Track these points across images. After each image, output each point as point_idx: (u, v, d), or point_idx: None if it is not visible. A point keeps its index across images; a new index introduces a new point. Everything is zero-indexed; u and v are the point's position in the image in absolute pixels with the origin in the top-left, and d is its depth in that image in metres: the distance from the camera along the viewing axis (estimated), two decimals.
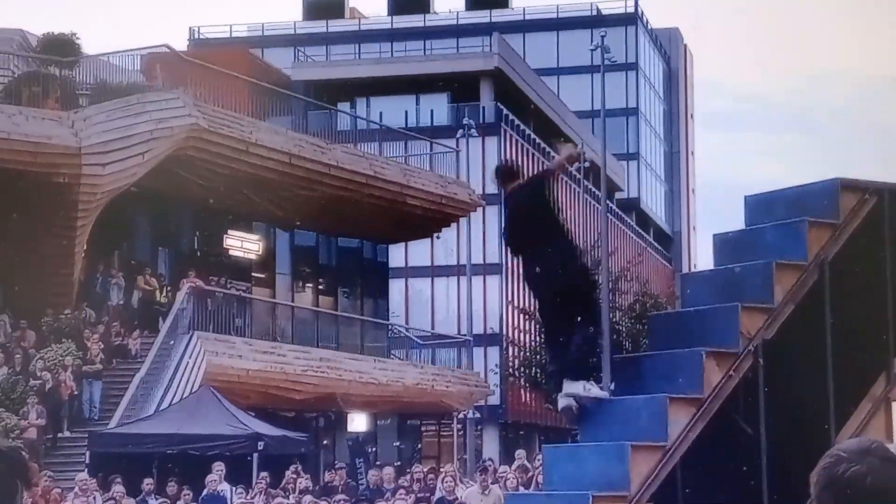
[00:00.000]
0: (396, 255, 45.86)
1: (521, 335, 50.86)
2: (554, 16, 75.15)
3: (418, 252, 52.27)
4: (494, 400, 49.76)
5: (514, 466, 20.86)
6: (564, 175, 64.11)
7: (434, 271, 56.21)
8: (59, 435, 24.86)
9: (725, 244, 10.21)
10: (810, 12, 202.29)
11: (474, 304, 48.17)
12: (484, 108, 57.03)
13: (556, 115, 65.15)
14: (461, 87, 56.61)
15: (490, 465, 22.06)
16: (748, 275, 9.60)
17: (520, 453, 22.91)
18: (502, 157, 56.35)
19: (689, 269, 74.69)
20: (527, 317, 48.88)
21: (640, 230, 79.80)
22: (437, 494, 19.03)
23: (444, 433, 48.47)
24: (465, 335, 45.09)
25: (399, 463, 34.00)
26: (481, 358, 49.91)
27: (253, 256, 34.68)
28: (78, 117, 26.46)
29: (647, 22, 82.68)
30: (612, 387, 9.79)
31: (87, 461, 22.25)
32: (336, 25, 71.11)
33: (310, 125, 34.95)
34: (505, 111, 57.42)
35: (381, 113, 52.21)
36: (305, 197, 32.28)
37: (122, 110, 26.96)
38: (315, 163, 31.48)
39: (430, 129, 50.86)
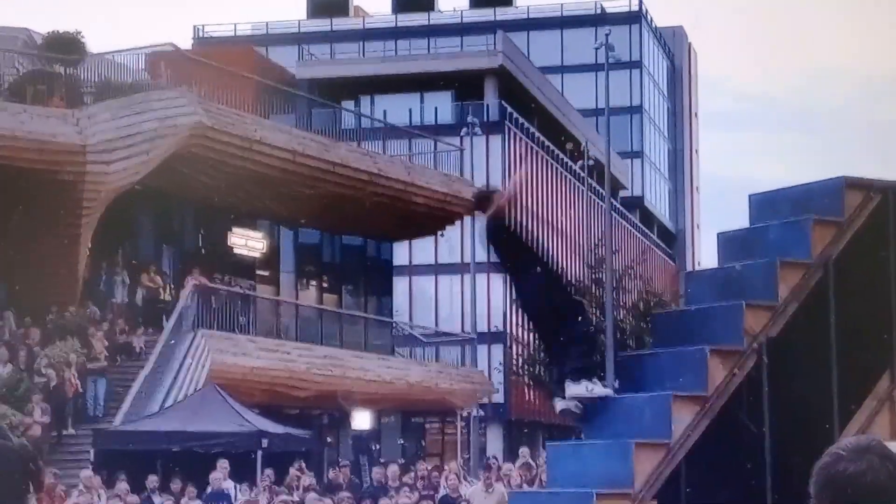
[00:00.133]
0: (400, 252, 45.86)
1: (525, 333, 50.86)
2: (558, 14, 75.12)
3: (422, 250, 52.27)
4: (498, 398, 49.77)
5: (517, 464, 20.87)
6: (569, 174, 64.15)
7: (438, 269, 56.23)
8: (64, 432, 24.88)
9: (730, 242, 10.22)
10: (811, 11, 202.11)
11: (478, 302, 48.17)
12: (488, 106, 57.02)
13: (560, 114, 65.14)
14: (465, 86, 56.60)
15: (494, 463, 22.05)
16: (752, 273, 9.60)
17: (523, 451, 22.92)
18: (506, 156, 56.40)
19: (693, 268, 74.66)
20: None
21: (644, 228, 79.77)
22: (441, 492, 19.05)
23: (448, 431, 48.48)
24: (468, 333, 45.11)
25: (403, 460, 34.03)
26: (485, 356, 49.92)
27: (257, 254, 34.71)
28: (82, 115, 26.49)
29: (651, 20, 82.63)
30: (616, 385, 9.81)
31: (92, 459, 22.27)
32: (340, 24, 71.10)
33: (314, 123, 34.98)
34: (509, 109, 57.41)
35: (385, 111, 52.22)
36: (309, 195, 32.30)
37: (127, 108, 26.99)
38: (319, 161, 31.49)
39: (435, 127, 50.85)
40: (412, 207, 35.10)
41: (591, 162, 59.98)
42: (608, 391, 9.41)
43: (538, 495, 11.24)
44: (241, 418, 22.86)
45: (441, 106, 57.55)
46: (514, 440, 52.33)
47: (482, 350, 48.13)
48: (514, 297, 9.84)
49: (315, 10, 72.44)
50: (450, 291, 56.36)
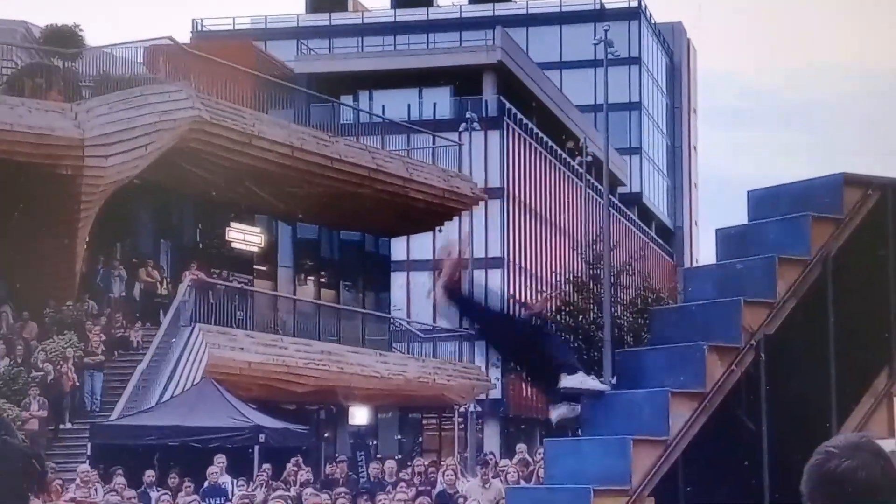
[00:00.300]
0: (398, 248, 45.86)
1: None
2: (557, 10, 75.08)
3: (420, 245, 52.22)
4: (496, 394, 49.78)
5: (515, 460, 20.87)
6: (567, 170, 64.14)
7: (436, 265, 56.13)
8: (61, 426, 24.88)
9: (728, 239, 10.20)
10: (811, 8, 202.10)
11: (476, 298, 48.09)
12: (487, 101, 56.99)
13: (559, 110, 65.12)
14: (464, 81, 56.57)
15: (491, 459, 22.07)
16: (751, 269, 9.59)
17: (521, 447, 22.91)
18: (504, 151, 56.38)
19: (691, 264, 74.68)
20: (529, 311, 48.88)
21: (642, 225, 79.78)
22: (438, 488, 19.04)
23: (446, 427, 48.50)
24: (466, 329, 45.03)
25: (400, 456, 34.03)
26: (483, 352, 49.87)
27: (255, 249, 34.68)
28: (81, 109, 26.45)
29: (651, 16, 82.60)
30: (614, 381, 9.80)
31: (89, 453, 22.26)
32: (339, 18, 71.06)
33: (312, 118, 34.95)
34: (508, 105, 57.39)
35: (383, 106, 52.19)
36: (308, 190, 32.28)
37: (125, 102, 26.96)
38: (317, 156, 31.47)
39: (433, 122, 50.82)
40: (410, 203, 35.09)
41: (590, 158, 59.96)
42: (605, 386, 9.42)
43: (536, 491, 11.23)
44: (238, 413, 22.85)
45: (440, 101, 57.52)
46: (511, 436, 52.35)
47: (480, 346, 48.03)
48: (494, 358, 10.32)
49: (314, 5, 72.39)
50: None
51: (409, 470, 21.99)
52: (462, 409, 41.82)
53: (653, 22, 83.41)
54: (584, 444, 9.44)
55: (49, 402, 24.22)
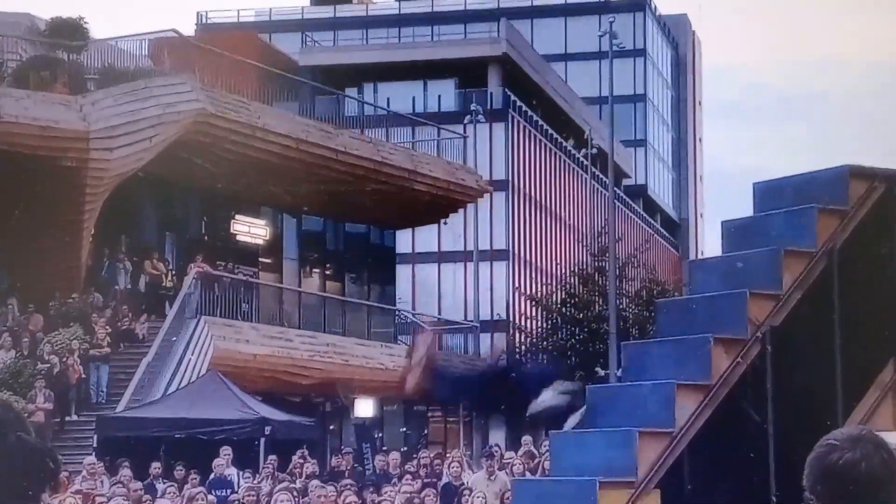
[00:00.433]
0: (403, 240, 45.85)
1: (528, 321, 50.86)
2: (562, 2, 74.97)
3: (425, 238, 52.25)
4: None
5: (520, 452, 20.86)
6: (572, 162, 64.07)
7: (441, 257, 56.20)
8: (67, 419, 24.91)
9: (734, 231, 10.20)
10: (814, 1, 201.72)
11: (481, 291, 48.20)
12: (491, 94, 56.93)
13: (564, 102, 65.04)
14: (469, 73, 56.50)
15: (496, 451, 22.05)
16: (756, 262, 9.59)
17: (526, 439, 22.89)
18: (509, 144, 56.33)
19: (696, 257, 74.63)
20: (534, 303, 48.91)
21: (647, 217, 79.72)
22: (444, 480, 19.05)
23: (451, 419, 48.52)
24: (471, 321, 45.11)
25: (405, 448, 34.04)
26: (488, 344, 49.91)
27: (260, 241, 34.69)
28: (86, 101, 26.46)
29: (656, 8, 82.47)
30: (619, 373, 9.82)
31: (95, 445, 22.30)
32: (344, 11, 71.00)
33: (317, 110, 34.93)
34: (512, 97, 57.32)
35: (388, 98, 52.15)
36: (312, 182, 32.28)
37: (130, 95, 26.96)
38: (322, 148, 31.46)
39: (438, 114, 50.77)
40: (415, 195, 35.07)
41: (595, 150, 59.92)
42: (565, 397, 9.61)
43: (541, 483, 11.24)
44: (243, 405, 22.87)
45: (444, 94, 57.47)
46: (516, 428, 52.34)
47: (485, 338, 48.13)
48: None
49: None
50: (453, 279, 56.34)
51: (415, 462, 22.01)
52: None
53: (658, 14, 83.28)
54: (589, 437, 9.45)
55: (55, 394, 24.26)
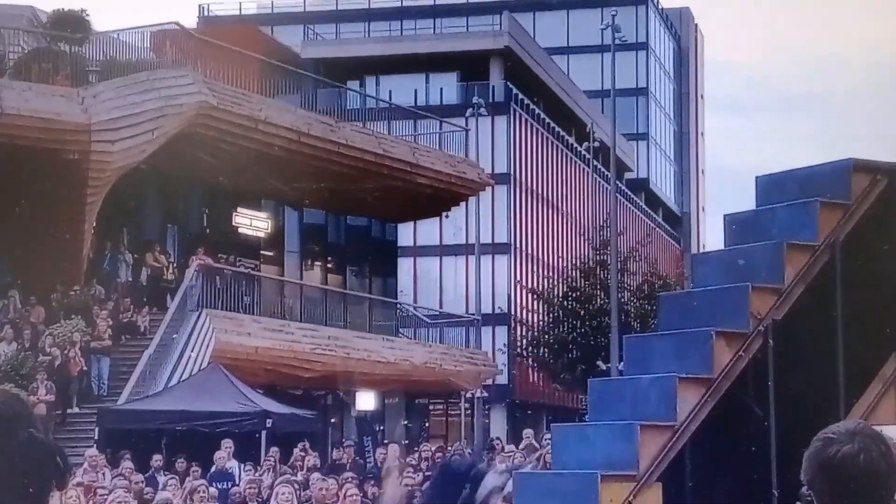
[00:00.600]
0: (405, 233, 45.86)
1: (529, 315, 50.86)
2: None
3: (427, 231, 52.25)
4: (502, 379, 49.81)
5: (521, 446, 20.86)
6: (574, 156, 64.05)
7: (443, 250, 56.21)
8: (69, 411, 24.92)
9: (736, 224, 10.18)
10: None
11: (482, 284, 48.19)
12: (493, 87, 56.90)
13: (566, 95, 65.00)
14: (471, 66, 56.48)
15: (498, 445, 22.06)
16: (759, 255, 9.57)
17: (527, 433, 22.88)
18: (511, 137, 56.30)
19: (698, 250, 74.59)
20: (535, 297, 48.91)
21: (649, 210, 79.70)
22: None
23: (452, 412, 48.57)
24: (473, 314, 45.11)
25: (407, 441, 34.07)
26: (489, 337, 49.94)
27: (262, 234, 34.68)
28: (87, 94, 26.44)
29: (658, 1, 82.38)
30: (621, 367, 9.84)
31: (97, 437, 22.30)
32: (346, 3, 70.95)
33: (319, 103, 34.89)
34: (514, 90, 57.29)
35: (390, 91, 52.11)
36: (314, 175, 32.26)
37: (132, 87, 26.93)
38: (324, 141, 31.44)
39: (440, 107, 50.78)
40: (417, 188, 35.05)
41: (597, 144, 59.90)
42: (503, 477, 10.98)
43: (543, 477, 11.24)
44: (245, 398, 22.87)
45: (446, 87, 57.45)
46: (517, 422, 52.41)
47: (486, 331, 48.15)
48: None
49: None
50: (454, 273, 56.35)
51: (416, 455, 22.02)
52: (469, 395, 41.86)
53: (660, 7, 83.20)
54: (591, 430, 9.44)
55: (56, 386, 24.26)
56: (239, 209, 33.91)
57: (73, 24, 28.24)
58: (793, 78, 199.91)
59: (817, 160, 10.33)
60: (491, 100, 54.73)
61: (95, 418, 23.09)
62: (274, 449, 20.44)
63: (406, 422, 44.49)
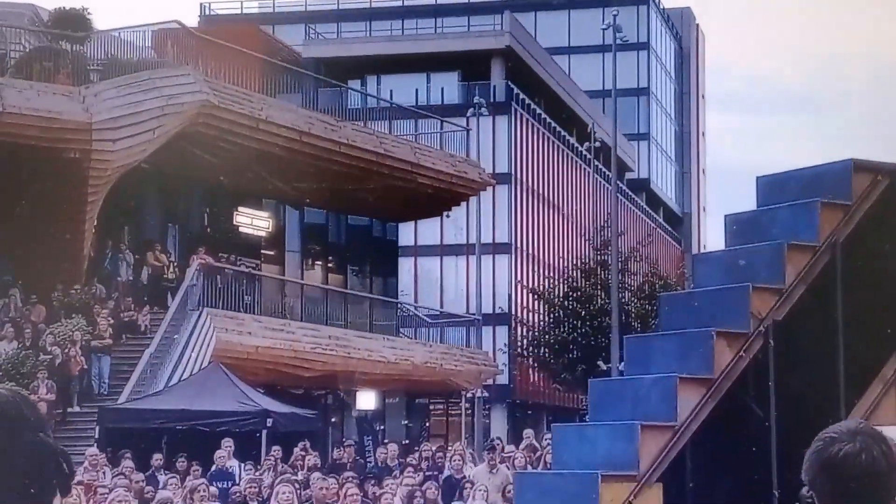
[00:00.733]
0: (406, 233, 45.86)
1: (530, 315, 50.85)
2: None
3: (428, 231, 52.26)
4: (503, 379, 49.81)
5: (522, 446, 20.87)
6: (575, 156, 64.06)
7: (443, 250, 56.21)
8: (69, 410, 24.92)
9: (737, 225, 10.18)
10: None
11: (483, 284, 48.18)
12: (495, 86, 56.90)
13: (567, 95, 65.00)
14: (472, 66, 56.47)
15: (498, 444, 22.07)
16: (759, 256, 9.57)
17: (528, 433, 22.91)
18: (512, 137, 56.30)
19: (699, 250, 74.59)
20: (535, 297, 48.91)
21: (650, 211, 79.69)
22: (446, 473, 19.07)
23: (453, 412, 48.55)
24: (473, 314, 45.11)
25: (407, 441, 34.06)
26: (490, 337, 49.94)
27: (263, 233, 34.68)
28: (89, 93, 26.44)
29: (659, 1, 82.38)
30: (622, 367, 9.84)
31: (97, 436, 22.30)
32: (347, 2, 70.95)
33: (320, 103, 34.90)
34: (516, 90, 57.29)
35: (391, 91, 52.12)
36: (315, 175, 32.26)
37: (133, 86, 26.93)
38: (325, 140, 31.44)
39: (441, 107, 50.77)
40: (418, 188, 35.05)
41: (598, 144, 59.89)
42: None
43: (543, 476, 11.24)
44: (245, 397, 22.87)
45: (447, 86, 57.44)
46: (518, 421, 52.42)
47: (487, 331, 48.15)
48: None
49: None
50: (455, 272, 56.35)
51: (417, 455, 22.02)
52: (469, 395, 41.85)
53: (661, 7, 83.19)
54: (591, 430, 9.44)
55: (57, 385, 24.26)
56: (240, 208, 33.92)
57: (74, 23, 28.25)
58: (794, 78, 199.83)
59: (818, 160, 10.32)
60: (492, 99, 54.72)
61: (96, 417, 23.10)
62: (276, 448, 20.44)
63: (406, 421, 44.50)
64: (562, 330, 46.00)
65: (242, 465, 19.92)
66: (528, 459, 18.74)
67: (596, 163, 62.94)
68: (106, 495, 15.43)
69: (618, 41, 42.33)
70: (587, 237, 51.77)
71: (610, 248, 42.51)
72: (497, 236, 54.51)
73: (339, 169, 32.33)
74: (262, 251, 34.90)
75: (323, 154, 31.60)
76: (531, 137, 58.86)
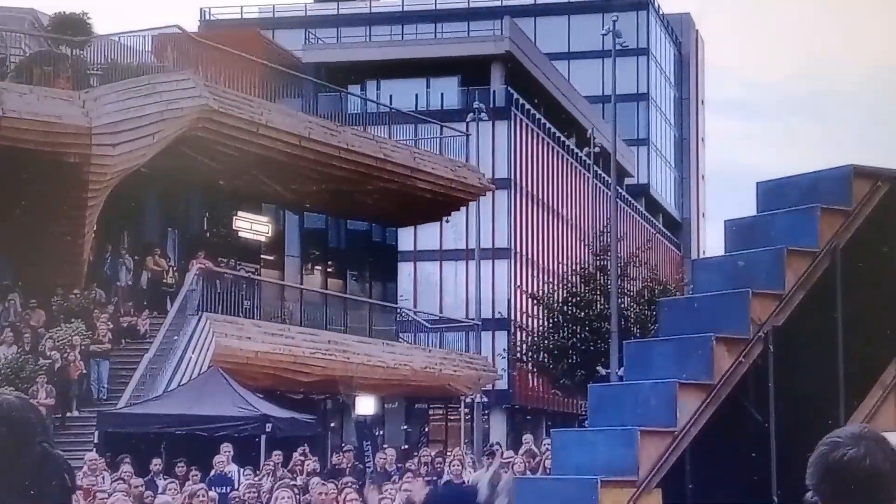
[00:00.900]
0: (405, 238, 45.86)
1: (529, 320, 50.84)
2: (565, 0, 74.95)
3: (427, 236, 52.26)
4: (502, 384, 49.80)
5: (521, 451, 20.85)
6: (574, 161, 64.09)
7: (443, 255, 56.21)
8: (68, 414, 24.91)
9: (736, 230, 10.18)
10: (819, 0, 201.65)
11: (483, 289, 48.17)
12: (494, 91, 56.93)
13: (567, 100, 65.03)
14: (472, 71, 56.51)
15: (497, 450, 22.06)
16: (759, 261, 9.57)
17: (527, 438, 22.89)
18: (512, 142, 56.32)
19: (698, 256, 74.59)
20: (535, 301, 48.89)
21: (649, 216, 79.70)
22: (445, 478, 19.06)
23: (452, 417, 48.51)
24: (473, 319, 45.10)
25: (406, 446, 34.05)
26: (489, 342, 49.94)
27: (262, 238, 34.68)
28: (88, 97, 26.45)
29: (659, 7, 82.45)
30: (621, 372, 9.84)
31: (96, 441, 22.30)
32: (347, 7, 70.99)
33: (320, 107, 34.92)
34: (515, 95, 57.31)
35: (391, 96, 52.15)
36: (315, 179, 32.27)
37: (133, 91, 26.94)
38: (325, 145, 31.45)
39: (441, 112, 50.78)
40: (417, 193, 35.06)
41: (597, 149, 59.91)
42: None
43: (542, 482, 11.23)
44: (245, 402, 22.86)
45: (447, 91, 57.47)
46: (517, 427, 52.42)
47: (486, 336, 48.14)
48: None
49: None
50: (454, 277, 56.35)
51: (416, 460, 22.00)
52: (468, 400, 41.84)
53: (661, 13, 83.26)
54: (591, 435, 9.43)
55: (56, 390, 24.26)
56: (239, 213, 33.92)
57: (74, 28, 28.27)
58: (793, 83, 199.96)
59: (818, 166, 10.34)
60: (492, 104, 54.74)
61: (95, 422, 23.09)
62: (277, 453, 20.43)
63: (406, 426, 44.48)
64: (561, 335, 45.99)
65: (241, 470, 19.91)
66: (527, 465, 18.72)
67: (595, 168, 62.95)
68: (105, 500, 15.43)
69: (617, 47, 42.34)
70: (587, 242, 51.77)
71: (609, 254, 42.52)
72: (496, 241, 54.51)
73: (339, 174, 32.34)
74: (262, 256, 34.90)
75: (323, 159, 31.62)
76: (531, 142, 58.88)
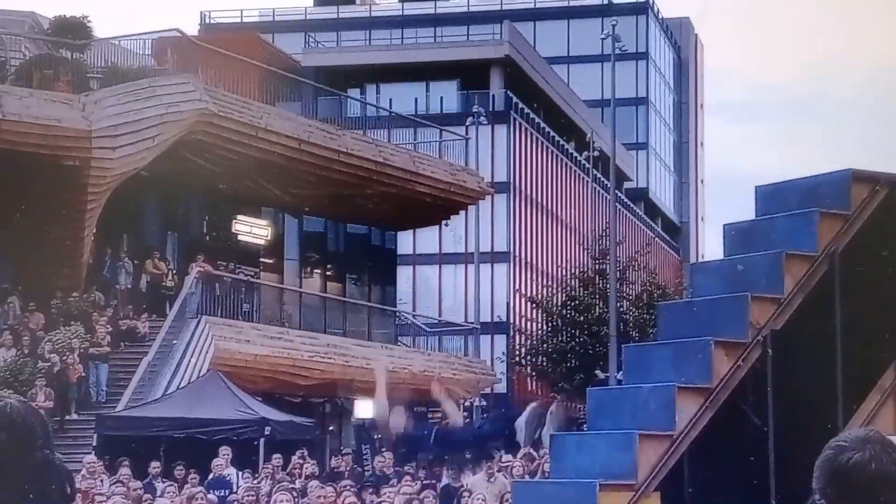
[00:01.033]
0: (404, 242, 45.86)
1: (528, 323, 50.86)
2: (565, 4, 74.99)
3: (426, 239, 52.27)
4: (501, 388, 49.78)
5: (519, 455, 20.86)
6: (574, 165, 64.11)
7: (442, 259, 56.22)
8: (67, 417, 24.91)
9: (735, 234, 10.20)
10: (818, 2, 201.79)
11: (482, 292, 48.19)
12: (494, 96, 56.96)
13: (566, 104, 65.07)
14: (471, 75, 56.54)
15: (496, 453, 22.04)
16: (758, 265, 9.59)
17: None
18: (511, 146, 56.35)
19: (697, 260, 74.58)
20: (534, 305, 48.91)
21: (648, 220, 79.72)
22: (443, 482, 19.06)
23: None
24: (472, 323, 45.11)
25: (404, 450, 33.99)
26: (488, 346, 49.94)
27: (261, 242, 34.69)
28: (88, 100, 26.47)
29: (658, 11, 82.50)
30: (620, 376, 9.86)
31: (95, 444, 22.30)
32: (347, 11, 71.02)
33: (319, 111, 34.95)
34: (515, 99, 57.35)
35: (390, 100, 52.18)
36: (314, 183, 32.28)
37: (133, 94, 26.96)
38: (324, 149, 31.47)
39: (440, 116, 50.80)
40: (417, 196, 35.07)
41: (596, 153, 59.96)
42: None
43: (541, 486, 11.24)
44: (243, 405, 22.87)
45: (447, 95, 57.50)
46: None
47: (485, 340, 48.14)
48: None
49: None
50: (453, 281, 56.35)
51: (414, 463, 22.00)
52: (467, 403, 41.84)
53: (660, 17, 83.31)
54: (590, 439, 9.45)
55: (55, 392, 24.26)
56: (239, 216, 33.93)
57: (74, 31, 28.30)
58: (793, 87, 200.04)
59: (817, 170, 10.35)
60: (491, 108, 54.77)
61: (94, 425, 23.09)
62: (275, 456, 20.44)
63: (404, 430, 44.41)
64: (560, 339, 46.00)
65: (240, 473, 19.91)
66: (525, 468, 18.73)
67: (594, 172, 62.98)
68: (103, 503, 15.43)
69: (617, 51, 42.39)
70: (585, 246, 51.79)
71: (608, 257, 42.55)
72: (495, 245, 54.52)
73: (339, 177, 32.36)
74: (261, 259, 34.90)
75: (322, 162, 31.64)
76: (530, 146, 58.91)
